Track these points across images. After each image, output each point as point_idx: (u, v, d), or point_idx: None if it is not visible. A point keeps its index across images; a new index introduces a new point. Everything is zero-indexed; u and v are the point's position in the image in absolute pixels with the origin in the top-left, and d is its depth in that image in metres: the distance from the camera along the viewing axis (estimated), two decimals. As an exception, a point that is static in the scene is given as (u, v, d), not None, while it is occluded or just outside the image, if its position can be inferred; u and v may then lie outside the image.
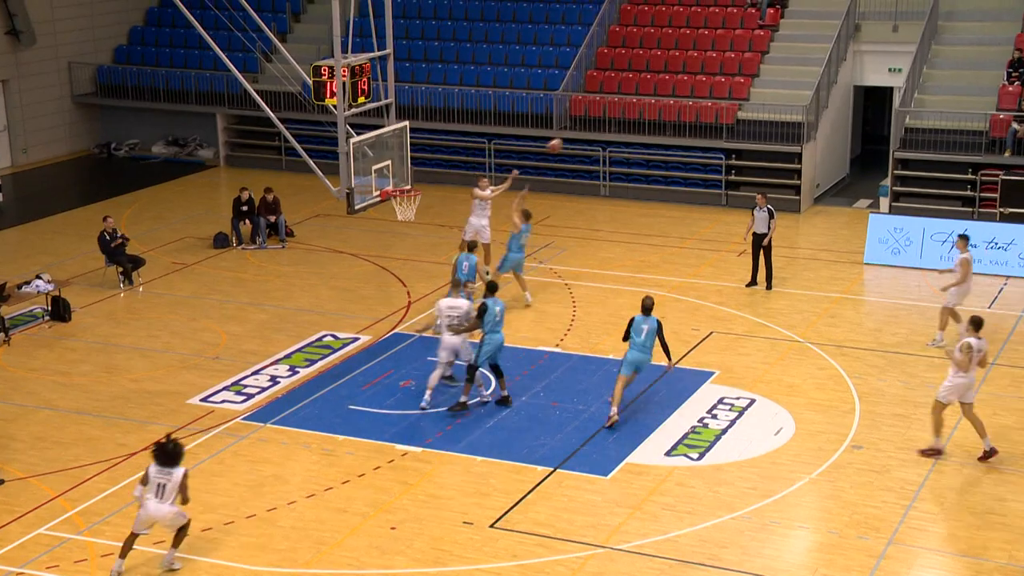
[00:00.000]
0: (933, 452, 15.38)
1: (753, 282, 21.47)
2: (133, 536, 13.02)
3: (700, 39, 28.73)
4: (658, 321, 16.46)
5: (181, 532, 13.09)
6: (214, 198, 28.35)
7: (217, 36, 23.16)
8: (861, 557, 13.17)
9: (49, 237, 25.33)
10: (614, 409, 16.32)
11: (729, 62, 28.05)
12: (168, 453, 12.81)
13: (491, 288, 16.94)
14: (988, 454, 15.29)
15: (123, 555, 13.01)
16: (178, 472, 12.78)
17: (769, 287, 21.32)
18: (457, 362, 16.98)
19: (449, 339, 16.71)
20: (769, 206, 21.30)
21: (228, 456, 15.65)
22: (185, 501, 12.90)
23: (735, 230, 24.76)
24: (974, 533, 13.66)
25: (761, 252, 21.32)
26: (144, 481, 12.88)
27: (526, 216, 20.90)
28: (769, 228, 21.13)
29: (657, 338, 16.38)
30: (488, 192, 21.76)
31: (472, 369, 16.65)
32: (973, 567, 13.03)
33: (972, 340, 15.24)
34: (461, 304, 16.82)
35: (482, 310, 16.63)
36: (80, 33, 32.00)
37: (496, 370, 16.99)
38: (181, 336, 19.83)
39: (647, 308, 16.47)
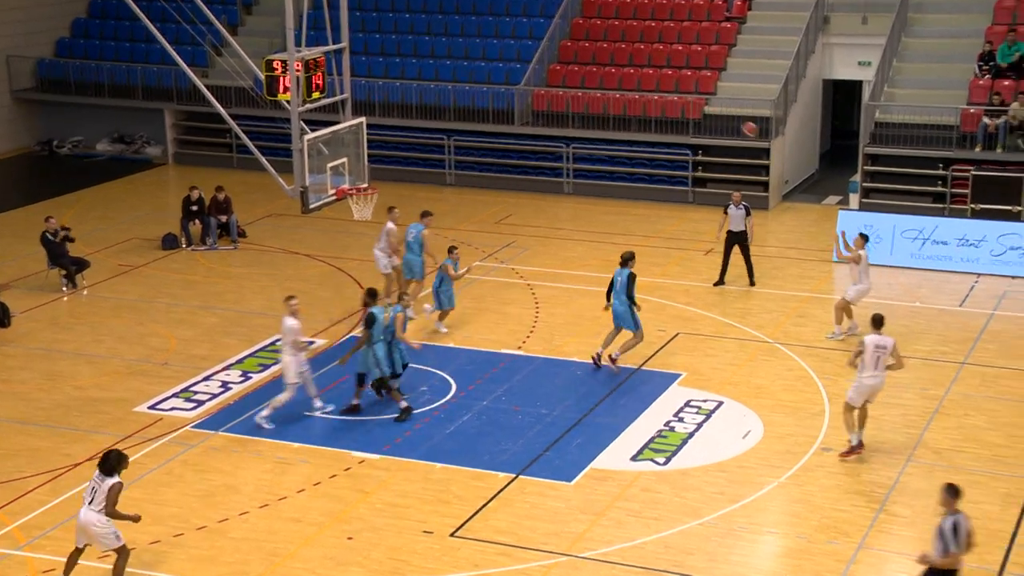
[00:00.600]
0: (853, 451, 15.11)
1: (721, 281, 21.16)
2: (76, 551, 12.54)
3: (665, 31, 28.37)
4: (629, 273, 17.17)
5: (119, 563, 12.45)
6: (162, 197, 27.84)
7: (164, 29, 22.59)
8: (830, 562, 12.98)
9: (-12, 239, 24.77)
10: (599, 350, 17.70)
11: (695, 55, 27.70)
12: (107, 460, 12.37)
13: (371, 295, 16.48)
14: (853, 449, 15.10)
15: (66, 572, 12.52)
16: (108, 481, 12.30)
17: (752, 283, 21.14)
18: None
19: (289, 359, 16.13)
20: (745, 203, 21.06)
21: (177, 465, 15.34)
22: (109, 515, 12.31)
23: (702, 228, 24.42)
24: (945, 536, 13.37)
25: (737, 249, 21.03)
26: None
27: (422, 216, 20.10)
28: (746, 226, 20.89)
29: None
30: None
31: (388, 378, 16.33)
32: (946, 572, 12.73)
33: (867, 337, 14.92)
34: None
35: (370, 320, 16.10)
36: (19, 25, 31.20)
37: (361, 379, 16.51)
38: (128, 341, 19.37)
39: (623, 260, 17.26)
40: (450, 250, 19.18)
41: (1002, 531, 13.50)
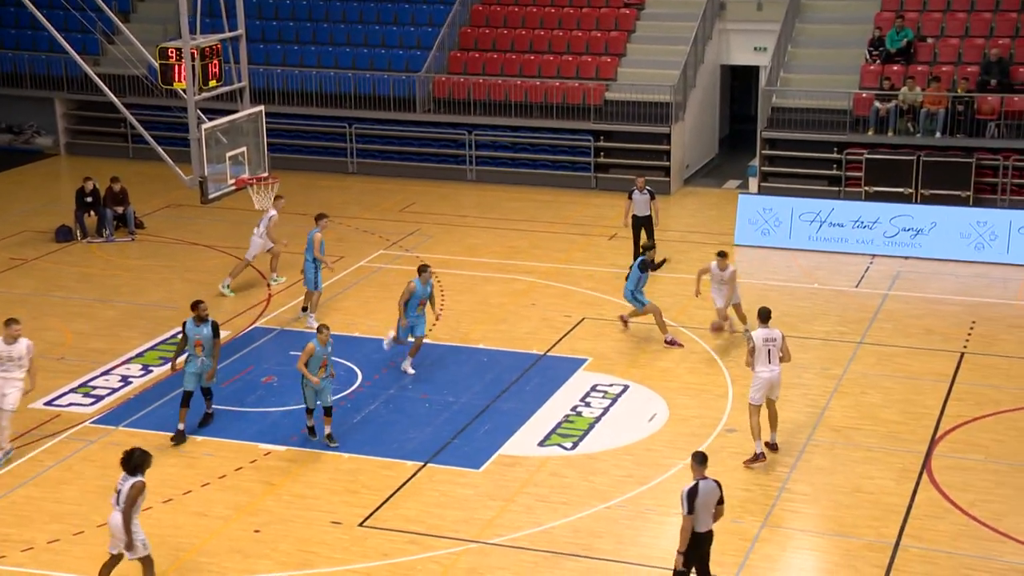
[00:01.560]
0: (756, 459, 14.66)
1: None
2: (111, 558, 12.18)
3: (565, 18, 28.46)
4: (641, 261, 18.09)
5: (145, 572, 12.09)
6: (55, 189, 27.14)
7: (52, 16, 22.00)
8: (736, 541, 13.16)
9: None
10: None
11: (595, 41, 27.84)
12: (130, 459, 11.90)
13: (193, 307, 15.59)
14: (756, 457, 14.66)
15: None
16: (130, 481, 11.83)
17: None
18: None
19: None
20: (649, 188, 21.24)
21: (76, 462, 15.02)
22: (123, 513, 11.78)
23: (606, 213, 24.59)
24: (844, 512, 13.80)
25: (643, 233, 21.12)
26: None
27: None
28: (651, 210, 21.06)
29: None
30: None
31: (186, 395, 15.49)
32: (843, 545, 13.15)
33: (755, 333, 14.75)
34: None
35: (183, 329, 15.48)
36: None
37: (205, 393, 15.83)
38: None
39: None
40: (421, 270, 17.51)
41: (898, 505, 13.86)
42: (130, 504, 11.80)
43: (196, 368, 15.49)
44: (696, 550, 11.39)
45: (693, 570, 11.56)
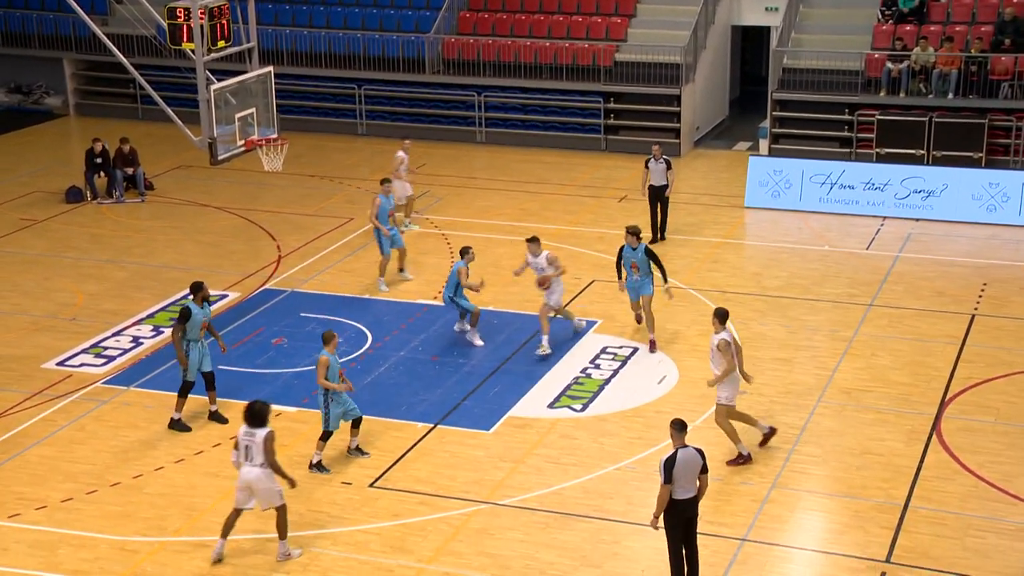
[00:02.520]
0: (742, 460, 14.05)
1: (655, 238, 20.86)
2: (236, 512, 12.28)
3: (576, -22, 28.25)
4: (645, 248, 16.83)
5: (280, 519, 12.25)
6: (65, 149, 27.10)
7: (60, -27, 21.93)
8: (745, 502, 13.21)
9: None
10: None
11: (605, 2, 27.66)
12: (253, 413, 12.07)
13: (194, 289, 14.90)
14: (741, 459, 14.09)
15: (224, 535, 12.31)
16: (261, 432, 11.99)
17: (663, 237, 20.90)
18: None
19: None
20: (666, 157, 20.80)
21: (89, 422, 15.09)
22: (271, 465, 11.99)
23: (616, 175, 24.52)
24: (853, 473, 13.83)
25: (659, 204, 20.83)
26: (236, 445, 12.21)
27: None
28: (668, 180, 20.65)
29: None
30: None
31: (187, 385, 14.92)
32: (852, 507, 13.19)
33: (725, 335, 13.89)
34: None
35: (185, 314, 14.70)
36: (-97, -33, 29.98)
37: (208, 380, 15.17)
38: (33, 297, 18.92)
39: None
40: (463, 252, 17.21)
41: (907, 466, 13.89)
42: (272, 453, 11.98)
43: (198, 356, 14.80)
44: (680, 516, 11.40)
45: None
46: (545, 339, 16.69)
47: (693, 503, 11.44)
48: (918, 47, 24.64)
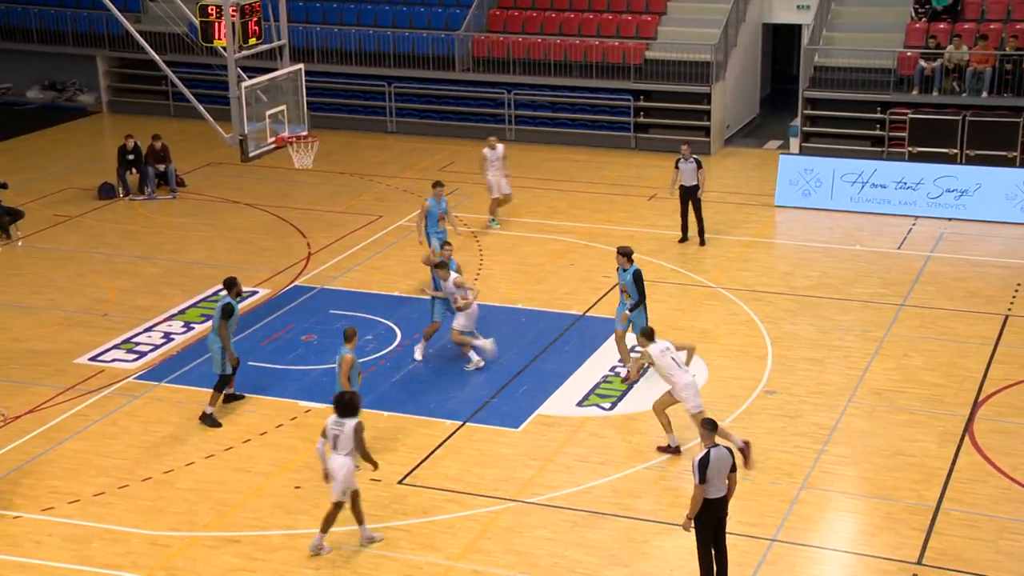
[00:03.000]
0: (670, 449, 14.16)
1: (685, 238, 20.76)
2: (335, 506, 12.38)
3: (606, -24, 28.20)
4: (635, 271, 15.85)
5: (355, 505, 12.49)
6: (98, 146, 27.27)
7: (94, -27, 22.08)
8: (774, 502, 13.16)
9: (-82, 190, 24.07)
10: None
11: (636, 0, 27.55)
12: (343, 404, 12.31)
13: (229, 285, 15.08)
14: (668, 449, 14.21)
15: (324, 529, 12.44)
16: (350, 423, 12.23)
17: (703, 242, 20.64)
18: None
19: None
20: (696, 156, 20.51)
21: (121, 417, 15.18)
22: (361, 453, 12.32)
23: (645, 173, 24.46)
24: (884, 475, 13.75)
25: (691, 205, 20.60)
26: (323, 433, 12.39)
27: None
28: (698, 180, 20.36)
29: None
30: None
31: (223, 380, 15.09)
32: (883, 508, 13.10)
33: (650, 348, 13.83)
34: None
35: (228, 311, 14.86)
36: (-58, -32, 30.30)
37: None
38: (67, 292, 19.07)
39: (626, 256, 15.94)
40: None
41: (939, 468, 13.78)
42: (362, 443, 12.22)
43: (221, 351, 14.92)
44: (712, 516, 11.39)
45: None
46: (473, 354, 16.23)
47: (723, 502, 11.41)
48: (951, 45, 24.44)
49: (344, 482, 12.27)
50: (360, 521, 12.51)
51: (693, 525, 11.43)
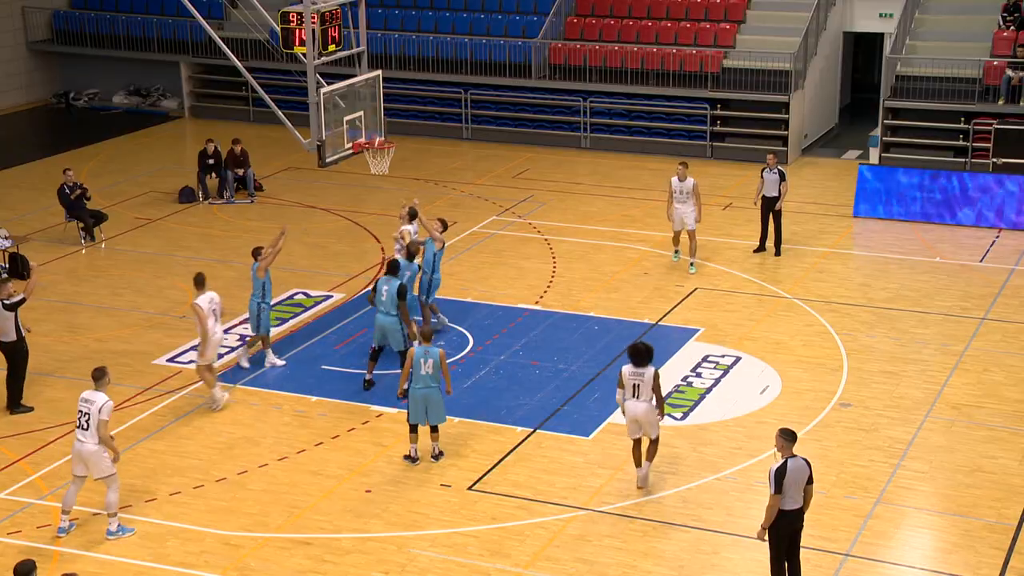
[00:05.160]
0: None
1: (762, 247, 20.52)
2: (635, 443, 13.43)
3: (684, -16, 28.05)
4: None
5: (653, 448, 13.53)
6: (179, 150, 27.73)
7: (179, -19, 22.40)
8: (848, 517, 12.98)
9: (5, 191, 24.70)
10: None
11: (714, 8, 27.38)
12: (639, 352, 13.18)
13: (391, 268, 15.80)
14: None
15: (639, 463, 13.54)
16: (648, 371, 13.17)
17: (778, 252, 20.38)
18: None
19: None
20: (780, 167, 20.21)
21: (197, 418, 15.37)
22: (658, 402, 13.25)
23: (720, 183, 24.26)
24: (963, 491, 13.48)
25: (771, 216, 20.29)
26: (620, 384, 13.27)
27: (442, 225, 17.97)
28: (780, 191, 20.06)
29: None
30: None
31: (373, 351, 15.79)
32: (962, 525, 12.85)
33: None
34: (95, 399, 12.77)
35: (402, 291, 15.61)
36: (33, -24, 31.06)
37: (376, 354, 15.90)
38: (146, 294, 19.39)
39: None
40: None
41: (1021, 486, 13.48)
42: (659, 390, 13.31)
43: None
44: (788, 528, 11.26)
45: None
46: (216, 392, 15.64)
47: (800, 514, 11.27)
48: (1040, 54, 23.94)
49: (653, 426, 13.27)
50: (651, 457, 13.54)
51: (767, 536, 11.29)
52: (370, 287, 17.50)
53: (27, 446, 14.67)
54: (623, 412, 13.39)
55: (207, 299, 15.37)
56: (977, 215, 21.84)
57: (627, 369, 13.20)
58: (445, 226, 17.80)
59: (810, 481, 11.23)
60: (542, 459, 14.26)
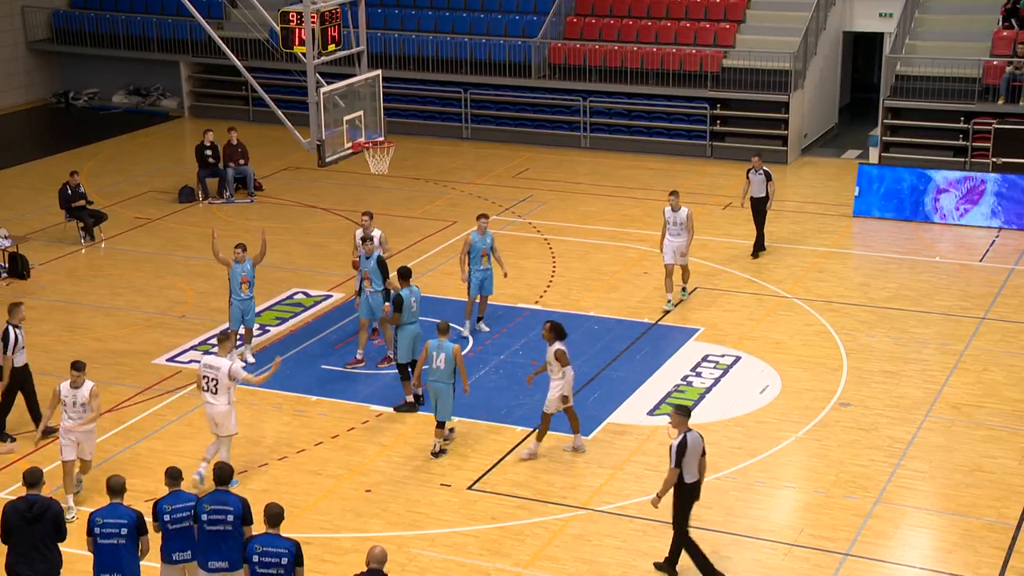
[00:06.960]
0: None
1: (760, 249, 20.44)
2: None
3: (683, -17, 28.05)
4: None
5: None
6: (179, 150, 27.69)
7: (178, -20, 22.48)
8: (848, 516, 12.97)
9: (5, 191, 24.70)
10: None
11: (714, 7, 27.38)
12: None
13: (403, 275, 15.57)
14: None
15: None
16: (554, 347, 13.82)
17: (757, 253, 20.32)
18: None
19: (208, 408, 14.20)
20: (765, 168, 20.13)
21: (196, 418, 15.33)
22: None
23: (720, 182, 24.26)
24: (962, 491, 13.48)
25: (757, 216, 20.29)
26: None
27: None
28: (767, 192, 20.01)
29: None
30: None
31: (401, 368, 15.43)
32: (961, 525, 12.86)
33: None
34: (219, 364, 13.68)
35: (398, 302, 15.29)
36: (33, -25, 31.04)
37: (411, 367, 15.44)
38: (146, 294, 19.39)
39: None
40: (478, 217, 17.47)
41: (1020, 485, 13.47)
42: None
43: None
44: (692, 500, 11.91)
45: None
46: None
47: (698, 487, 11.97)
48: (1040, 53, 23.93)
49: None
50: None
51: (673, 513, 11.91)
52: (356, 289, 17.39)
53: (27, 446, 14.64)
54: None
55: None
56: (976, 215, 21.82)
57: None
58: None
59: (703, 453, 11.89)
60: (542, 459, 14.25)
